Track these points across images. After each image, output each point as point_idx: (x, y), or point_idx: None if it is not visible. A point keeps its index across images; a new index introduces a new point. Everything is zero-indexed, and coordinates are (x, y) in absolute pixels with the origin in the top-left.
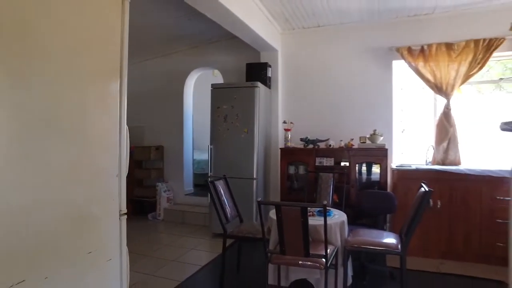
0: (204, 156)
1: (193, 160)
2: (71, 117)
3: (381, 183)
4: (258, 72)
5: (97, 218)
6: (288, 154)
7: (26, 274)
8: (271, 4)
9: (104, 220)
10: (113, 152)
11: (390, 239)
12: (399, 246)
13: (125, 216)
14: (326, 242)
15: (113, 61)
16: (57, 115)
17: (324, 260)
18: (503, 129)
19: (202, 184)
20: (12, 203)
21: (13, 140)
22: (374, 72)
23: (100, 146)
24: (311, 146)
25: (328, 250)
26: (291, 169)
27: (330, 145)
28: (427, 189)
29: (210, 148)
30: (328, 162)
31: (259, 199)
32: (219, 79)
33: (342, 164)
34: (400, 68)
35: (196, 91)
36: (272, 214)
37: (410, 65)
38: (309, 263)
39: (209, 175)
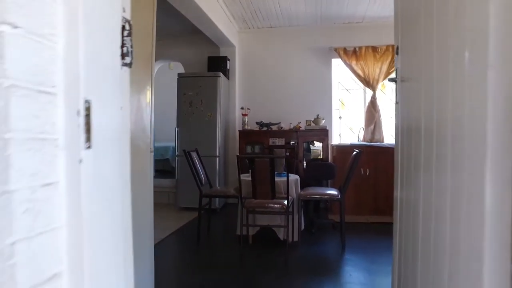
0: (160, 144)
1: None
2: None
3: (323, 157)
4: (218, 64)
5: (142, 150)
6: (246, 135)
7: None
8: (233, 7)
9: (144, 153)
10: (147, 118)
11: (332, 191)
12: (339, 195)
13: (152, 153)
14: (288, 186)
15: (148, 49)
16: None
17: (286, 202)
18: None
19: (161, 170)
20: None
21: None
22: (317, 67)
23: (144, 113)
24: (265, 128)
25: (288, 197)
26: (248, 148)
27: (281, 127)
28: (358, 151)
29: (177, 131)
30: (280, 141)
31: (237, 153)
32: (175, 72)
33: (292, 143)
34: (338, 65)
35: None
36: (243, 176)
37: (345, 63)
38: (276, 205)
39: (176, 154)
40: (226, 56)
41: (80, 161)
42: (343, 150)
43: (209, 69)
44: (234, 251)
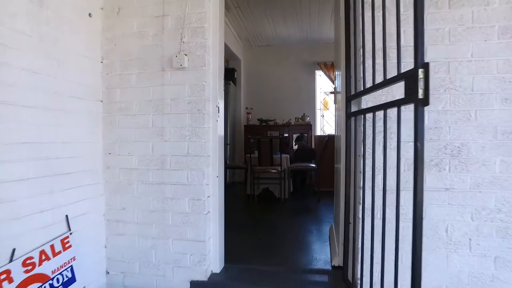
0: None
1: None
2: None
3: (308, 145)
4: (228, 74)
5: None
6: (249, 129)
7: None
8: (240, 30)
9: None
10: None
11: (311, 164)
12: (316, 166)
13: None
14: (281, 159)
15: None
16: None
17: (279, 168)
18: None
19: None
20: None
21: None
22: (304, 77)
23: None
24: (264, 123)
25: (281, 167)
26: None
27: (276, 123)
28: (327, 138)
29: None
30: (275, 133)
31: (243, 143)
32: None
33: (285, 135)
34: (320, 75)
35: None
36: (252, 155)
37: (326, 74)
38: (273, 170)
39: None
40: (234, 68)
41: (217, 120)
42: (321, 139)
43: None
44: (245, 204)
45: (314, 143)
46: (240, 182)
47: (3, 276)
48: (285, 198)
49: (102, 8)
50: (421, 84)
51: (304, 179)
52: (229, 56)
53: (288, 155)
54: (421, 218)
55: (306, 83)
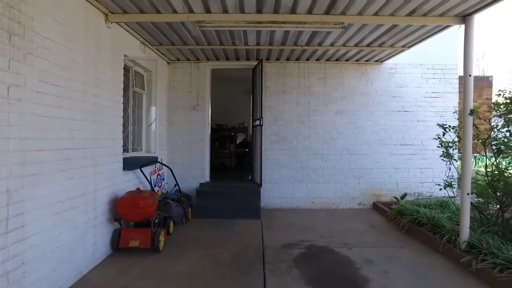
0: None
1: None
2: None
3: (246, 140)
4: None
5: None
6: (212, 130)
7: None
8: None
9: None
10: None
11: (246, 149)
12: (247, 150)
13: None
14: (229, 146)
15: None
16: None
17: (229, 150)
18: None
19: None
20: None
21: None
22: (245, 99)
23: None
24: (219, 127)
25: (230, 150)
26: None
27: (227, 126)
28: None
29: None
30: (226, 133)
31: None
32: None
33: (231, 133)
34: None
35: None
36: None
37: None
38: (225, 151)
39: None
40: None
41: (208, 127)
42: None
43: None
44: (212, 170)
45: (249, 138)
46: None
47: (156, 171)
48: (231, 167)
49: (167, 86)
50: (261, 121)
51: (244, 158)
52: None
53: (234, 144)
54: (261, 156)
55: (245, 103)
